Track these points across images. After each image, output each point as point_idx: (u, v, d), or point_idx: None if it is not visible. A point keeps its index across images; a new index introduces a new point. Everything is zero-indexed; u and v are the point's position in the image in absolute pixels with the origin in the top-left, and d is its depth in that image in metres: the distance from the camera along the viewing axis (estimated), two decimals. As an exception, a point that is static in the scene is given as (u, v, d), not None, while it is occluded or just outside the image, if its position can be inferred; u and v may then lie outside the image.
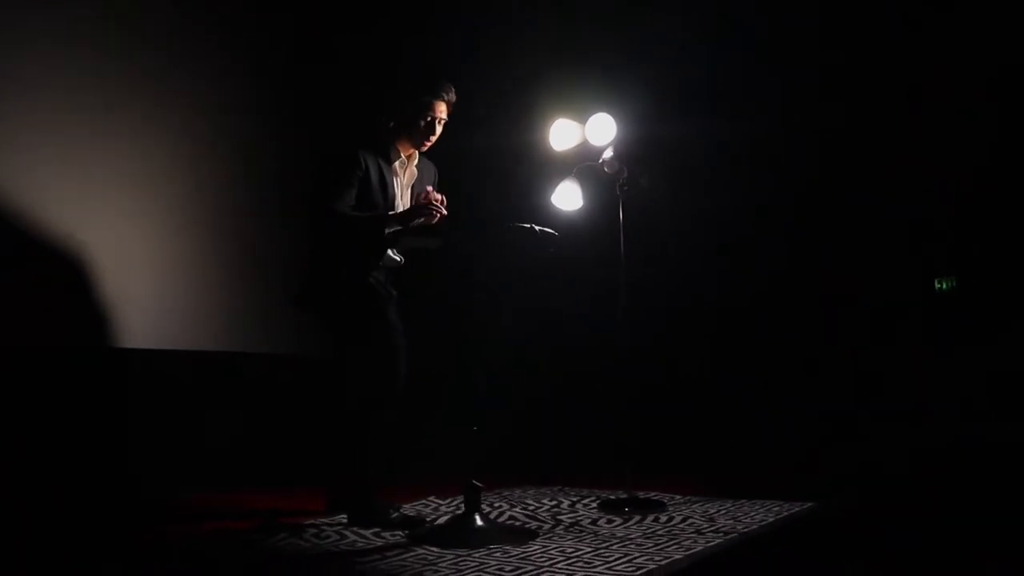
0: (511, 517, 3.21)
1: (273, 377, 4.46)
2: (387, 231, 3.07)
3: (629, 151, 3.36)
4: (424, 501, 3.50)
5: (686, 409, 4.69)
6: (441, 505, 3.43)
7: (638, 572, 2.36)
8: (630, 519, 3.15)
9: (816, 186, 4.56)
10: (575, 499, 3.56)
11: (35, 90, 3.80)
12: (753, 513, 3.20)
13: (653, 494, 3.56)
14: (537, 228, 2.84)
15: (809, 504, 3.34)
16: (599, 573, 2.36)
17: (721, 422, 4.63)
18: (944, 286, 5.20)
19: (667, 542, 2.73)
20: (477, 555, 2.59)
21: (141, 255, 4.13)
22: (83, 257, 3.91)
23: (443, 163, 3.40)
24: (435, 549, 2.67)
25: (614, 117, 3.36)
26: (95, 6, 4.02)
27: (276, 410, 4.36)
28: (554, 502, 3.50)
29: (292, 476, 3.90)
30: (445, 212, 3.05)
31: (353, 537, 2.86)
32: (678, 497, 3.58)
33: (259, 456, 4.09)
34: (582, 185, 3.44)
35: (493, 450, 3.00)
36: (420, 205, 3.08)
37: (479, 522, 2.87)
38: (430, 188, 3.12)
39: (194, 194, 4.35)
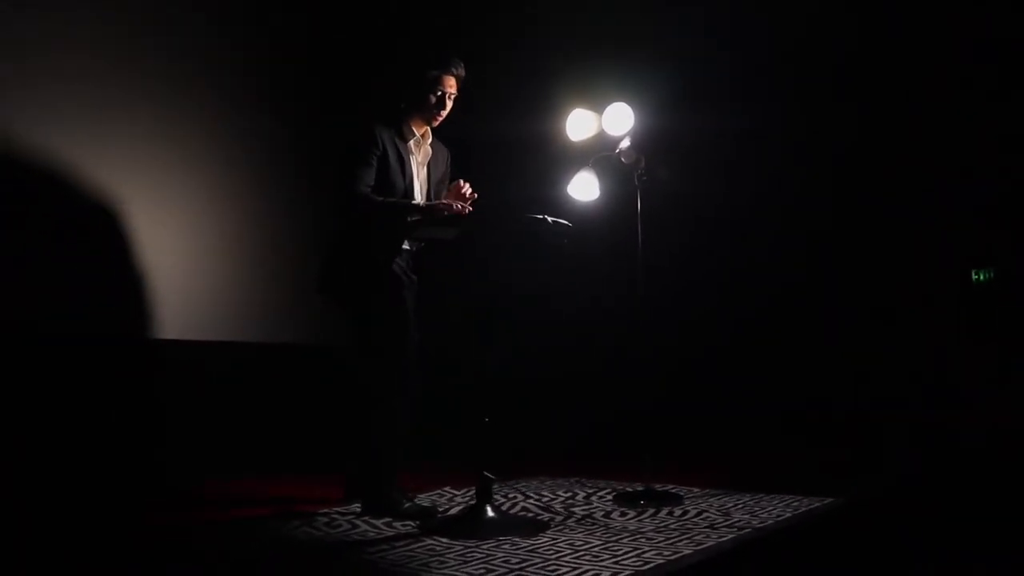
0: (524, 508, 3.20)
1: (299, 366, 4.50)
2: (410, 219, 3.07)
3: (647, 141, 3.31)
4: (440, 491, 3.50)
5: (705, 401, 4.64)
6: (456, 495, 3.43)
7: (645, 567, 2.34)
8: (644, 512, 3.12)
9: (837, 178, 4.48)
10: (591, 491, 3.53)
11: (77, 86, 3.92)
12: (771, 508, 3.15)
13: (671, 487, 3.53)
14: (550, 219, 2.81)
15: (829, 499, 3.28)
16: (605, 567, 2.34)
17: (742, 416, 4.57)
18: (982, 277, 5.11)
19: (679, 536, 2.70)
20: (485, 546, 2.58)
21: (170, 247, 4.22)
22: (116, 249, 4.03)
23: (459, 152, 3.39)
24: (444, 540, 2.67)
25: (632, 107, 3.32)
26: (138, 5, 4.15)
27: (302, 398, 4.39)
28: (569, 494, 3.48)
29: (316, 464, 3.92)
30: (471, 208, 3.04)
31: (365, 527, 2.87)
32: (696, 490, 3.53)
33: (284, 444, 4.12)
34: (599, 176, 3.40)
35: (513, 441, 2.98)
36: (444, 203, 3.06)
37: (490, 513, 2.86)
38: (462, 181, 3.11)
39: (229, 188, 4.45)
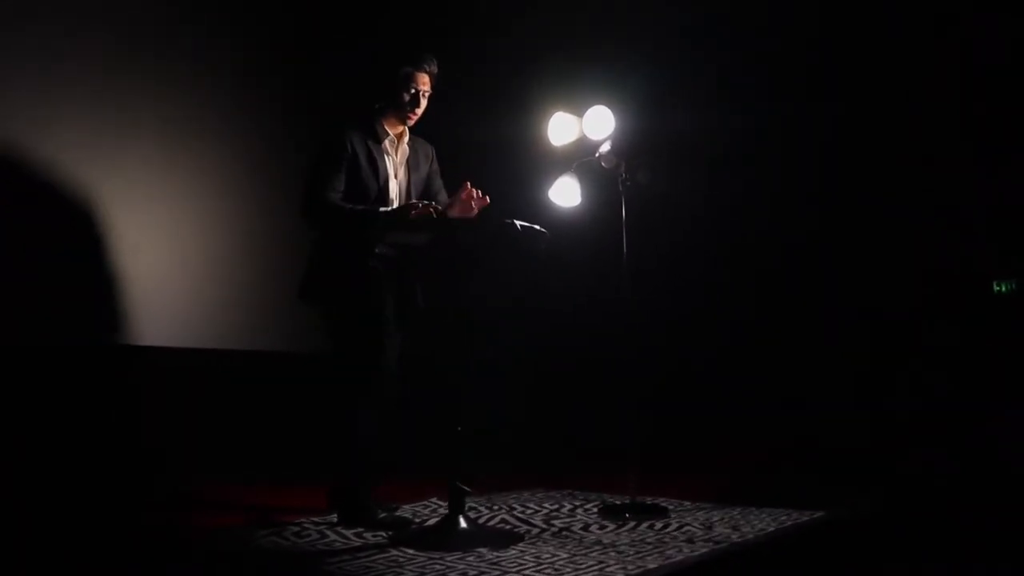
0: (503, 520, 3.13)
1: (290, 374, 4.48)
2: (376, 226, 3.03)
3: (628, 145, 3.24)
4: (425, 502, 3.45)
5: (699, 410, 4.54)
6: (441, 507, 3.37)
7: (604, 581, 2.27)
8: (624, 525, 3.04)
9: (823, 180, 4.37)
10: (579, 503, 3.45)
11: (72, 86, 3.96)
12: (756, 522, 3.04)
13: (662, 500, 3.43)
14: (519, 224, 2.75)
15: (819, 514, 3.16)
16: (565, 580, 2.28)
17: (739, 422, 4.46)
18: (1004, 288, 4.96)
19: (651, 550, 2.62)
20: (449, 558, 2.53)
21: (165, 253, 4.25)
22: (111, 254, 4.06)
23: (439, 157, 3.35)
24: (410, 551, 2.62)
25: (612, 110, 3.26)
26: (125, 10, 4.16)
27: (291, 406, 4.37)
28: (556, 506, 3.40)
29: (304, 473, 3.90)
30: (436, 208, 2.99)
31: (334, 536, 2.83)
32: (687, 503, 3.44)
33: (272, 452, 4.10)
34: (582, 181, 3.33)
35: (509, 451, 2.90)
36: (409, 204, 3.03)
37: (463, 525, 2.81)
38: (469, 185, 3.06)
39: (222, 193, 4.47)
